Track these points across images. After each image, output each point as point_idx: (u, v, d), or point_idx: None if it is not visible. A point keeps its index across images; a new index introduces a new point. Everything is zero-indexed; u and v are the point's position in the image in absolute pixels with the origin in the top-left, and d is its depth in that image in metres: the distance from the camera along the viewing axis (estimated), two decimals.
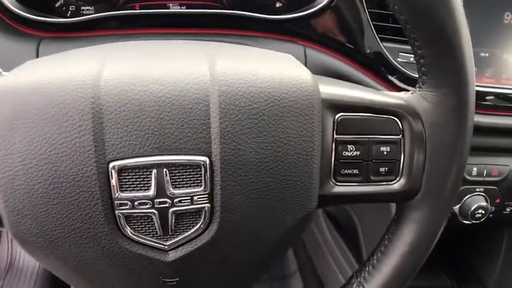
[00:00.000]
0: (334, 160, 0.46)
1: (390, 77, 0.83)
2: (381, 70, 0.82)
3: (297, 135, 0.42)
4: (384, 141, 0.47)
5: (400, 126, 0.47)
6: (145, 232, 0.40)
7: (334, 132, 0.45)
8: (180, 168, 0.39)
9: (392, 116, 0.47)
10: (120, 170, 0.38)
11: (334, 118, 0.45)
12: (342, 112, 0.45)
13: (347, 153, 0.46)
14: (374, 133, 0.46)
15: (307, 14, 0.81)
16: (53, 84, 0.38)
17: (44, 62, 0.43)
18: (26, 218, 0.39)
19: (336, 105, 0.45)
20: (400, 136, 0.47)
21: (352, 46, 0.83)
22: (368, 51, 0.82)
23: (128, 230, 0.40)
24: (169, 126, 0.38)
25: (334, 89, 0.46)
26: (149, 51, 0.45)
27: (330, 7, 0.80)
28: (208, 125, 0.39)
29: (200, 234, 0.41)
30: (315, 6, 0.81)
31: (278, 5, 0.92)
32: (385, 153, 0.47)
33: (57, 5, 0.84)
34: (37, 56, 0.74)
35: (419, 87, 0.48)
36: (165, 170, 0.39)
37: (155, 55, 0.44)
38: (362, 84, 0.83)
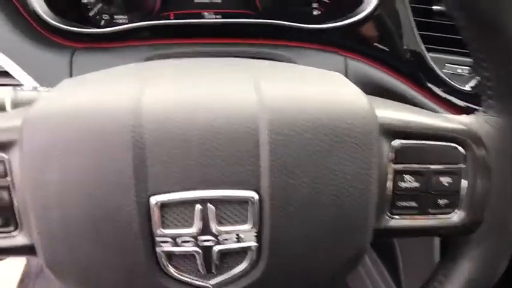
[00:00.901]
0: (391, 192, 0.42)
1: (435, 89, 0.78)
2: (425, 82, 0.77)
3: (353, 166, 0.38)
4: (445, 171, 0.42)
5: (463, 154, 0.42)
6: (187, 271, 0.37)
7: (392, 161, 0.41)
8: (226, 203, 0.36)
9: (455, 143, 0.42)
10: (162, 205, 0.35)
11: (392, 146, 0.41)
12: (400, 139, 0.41)
13: (404, 184, 0.42)
14: (434, 162, 0.42)
15: (349, 24, 0.77)
16: (91, 111, 0.36)
17: (82, 83, 0.41)
18: (60, 252, 0.37)
19: (394, 132, 0.41)
20: (462, 165, 0.43)
21: (395, 56, 0.78)
22: (412, 61, 0.78)
23: (170, 269, 0.37)
24: (214, 158, 0.35)
25: (391, 112, 0.42)
26: (191, 73, 0.42)
27: (373, 16, 0.76)
28: (257, 157, 0.36)
29: (246, 274, 0.38)
30: (357, 15, 0.76)
31: (316, 13, 0.88)
32: (445, 184, 0.42)
33: (91, 14, 0.82)
34: (71, 67, 0.72)
35: (483, 112, 0.44)
36: (209, 205, 0.36)
37: (198, 77, 0.41)
38: (406, 97, 0.78)
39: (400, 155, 0.41)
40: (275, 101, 0.37)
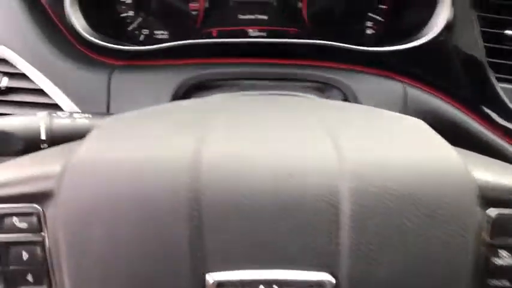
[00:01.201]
0: (482, 269, 0.35)
1: (505, 124, 0.69)
2: (495, 116, 0.69)
3: (445, 245, 0.31)
4: None
5: None
6: None
7: (486, 233, 0.34)
8: (295, 287, 0.30)
9: None
10: (219, 285, 0.29)
11: (488, 215, 0.34)
12: (498, 207, 0.34)
13: (499, 261, 0.35)
14: None
15: (410, 48, 0.69)
16: (143, 169, 0.30)
17: (131, 128, 0.36)
18: None
19: (492, 199, 0.34)
20: None
21: (460, 86, 0.71)
22: (480, 92, 0.70)
23: None
24: (285, 232, 0.29)
25: (491, 175, 0.35)
26: (253, 121, 0.36)
27: (438, 41, 0.68)
28: (337, 233, 0.29)
29: None
30: (420, 39, 0.69)
31: (369, 32, 0.81)
32: None
33: (129, 28, 0.78)
34: (109, 86, 0.67)
35: None
36: None
37: (263, 128, 0.35)
38: (471, 132, 0.70)
39: (498, 226, 0.34)
40: (358, 165, 0.31)
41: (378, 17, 0.79)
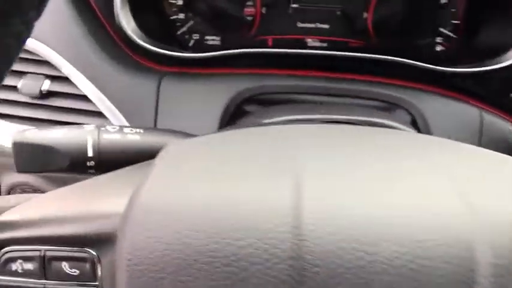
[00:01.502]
0: None
1: None
2: None
3: None
4: None
5: None
6: None
7: None
8: None
9: None
10: None
11: None
12: None
13: None
14: None
15: (490, 71, 0.62)
16: (224, 223, 0.25)
17: (205, 163, 0.30)
18: None
19: None
20: None
21: None
22: None
23: None
24: None
25: None
26: (358, 162, 0.30)
27: None
28: None
29: None
30: (501, 62, 0.62)
31: (439, 48, 0.74)
32: None
33: (179, 32, 0.72)
34: (157, 94, 0.62)
35: None
36: None
37: (369, 175, 0.28)
38: None
39: None
40: (494, 220, 0.24)
41: (450, 33, 0.72)
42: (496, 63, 0.62)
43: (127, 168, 0.37)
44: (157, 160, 0.31)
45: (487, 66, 0.63)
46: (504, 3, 0.66)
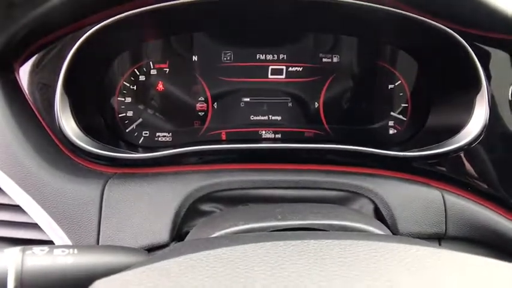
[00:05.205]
0: None
1: None
2: None
3: None
4: None
5: None
6: None
7: None
8: None
9: None
10: None
11: None
12: None
13: None
14: None
15: (444, 152, 0.61)
16: None
17: None
18: None
19: None
20: None
21: (500, 188, 0.62)
22: None
23: None
24: None
25: None
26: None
27: (480, 142, 0.60)
28: None
29: None
30: (454, 143, 0.61)
31: (392, 131, 0.74)
32: None
33: (127, 129, 0.69)
34: (101, 198, 0.56)
35: None
36: None
37: None
38: None
39: None
40: None
41: (400, 116, 0.72)
42: (450, 145, 0.62)
43: None
44: None
45: (441, 148, 0.62)
46: (448, 87, 0.67)
